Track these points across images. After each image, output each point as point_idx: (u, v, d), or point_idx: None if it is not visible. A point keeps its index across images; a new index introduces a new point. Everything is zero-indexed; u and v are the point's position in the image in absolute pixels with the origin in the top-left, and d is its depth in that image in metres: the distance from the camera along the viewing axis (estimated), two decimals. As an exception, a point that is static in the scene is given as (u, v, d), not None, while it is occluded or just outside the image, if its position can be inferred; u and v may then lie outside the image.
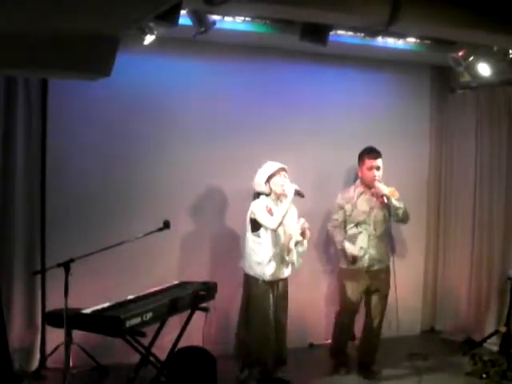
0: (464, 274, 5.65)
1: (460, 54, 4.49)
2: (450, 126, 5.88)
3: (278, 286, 4.40)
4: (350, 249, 4.57)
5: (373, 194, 4.67)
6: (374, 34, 4.29)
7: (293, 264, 4.45)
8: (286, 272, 4.45)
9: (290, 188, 4.29)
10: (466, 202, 5.67)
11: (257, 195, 4.41)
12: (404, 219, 4.72)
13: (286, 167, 4.41)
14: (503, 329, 5.01)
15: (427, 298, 5.95)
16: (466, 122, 5.71)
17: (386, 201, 4.56)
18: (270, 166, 4.39)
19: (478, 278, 5.57)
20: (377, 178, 4.60)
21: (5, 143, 4.49)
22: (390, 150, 5.14)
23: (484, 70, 4.56)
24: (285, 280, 4.46)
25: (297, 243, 4.40)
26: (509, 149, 5.39)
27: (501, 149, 5.44)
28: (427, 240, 5.92)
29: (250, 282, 4.37)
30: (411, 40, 4.53)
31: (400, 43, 4.57)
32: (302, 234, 4.39)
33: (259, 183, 4.38)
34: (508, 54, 4.47)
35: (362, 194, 4.69)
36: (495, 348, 5.12)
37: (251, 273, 4.35)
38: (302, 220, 4.43)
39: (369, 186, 4.67)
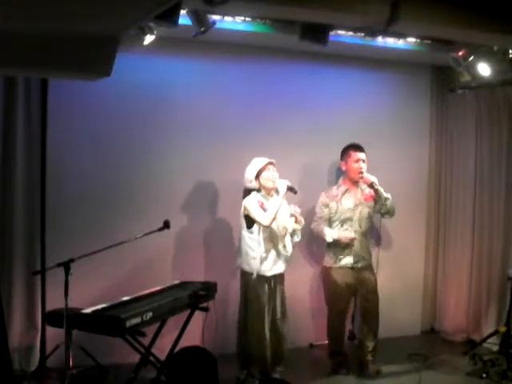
0: (464, 274, 5.65)
1: (460, 53, 4.49)
2: (450, 126, 5.88)
3: (274, 281, 4.40)
4: (344, 233, 4.64)
5: (356, 186, 4.73)
6: (374, 33, 4.29)
7: (285, 248, 4.44)
8: (282, 267, 4.45)
9: (282, 184, 4.33)
10: (466, 201, 5.67)
11: (247, 192, 4.41)
12: (391, 211, 4.77)
13: (273, 161, 4.41)
14: (503, 329, 5.00)
15: (427, 297, 5.95)
16: (465, 122, 5.71)
17: (375, 187, 4.64)
18: (257, 162, 4.39)
19: (477, 278, 5.57)
20: (363, 170, 4.68)
21: (5, 143, 4.49)
22: (390, 150, 5.16)
23: (484, 69, 4.56)
24: (281, 275, 4.46)
25: (293, 232, 4.45)
26: (509, 148, 5.38)
27: (501, 148, 5.43)
28: (427, 240, 5.91)
29: (246, 277, 4.37)
30: (411, 40, 4.53)
31: (400, 43, 4.57)
32: (295, 220, 4.43)
33: (249, 179, 4.39)
34: (508, 53, 4.46)
35: (346, 191, 4.75)
36: (495, 348, 5.11)
37: (248, 269, 4.35)
38: (293, 207, 4.44)
39: (353, 181, 4.74)
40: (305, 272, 5.26)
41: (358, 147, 4.73)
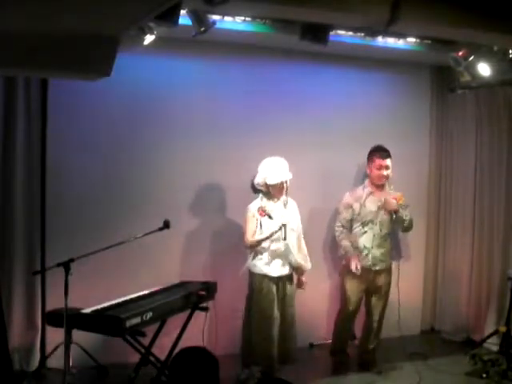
0: (464, 274, 5.65)
1: (460, 53, 4.49)
2: (450, 126, 5.88)
3: (282, 282, 4.42)
4: (354, 260, 4.60)
5: (380, 190, 4.73)
6: (374, 33, 4.29)
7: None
8: (289, 269, 4.46)
9: (277, 222, 4.28)
10: (466, 201, 5.67)
11: (255, 189, 4.46)
12: (408, 229, 4.83)
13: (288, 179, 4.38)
14: (503, 329, 5.00)
15: (427, 298, 5.95)
16: (465, 122, 5.71)
17: (394, 217, 4.64)
18: (273, 177, 4.34)
19: (478, 278, 5.57)
20: (385, 175, 4.67)
21: (5, 143, 4.48)
22: (390, 150, 5.13)
23: (484, 69, 4.56)
24: (289, 276, 4.49)
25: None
26: (509, 149, 5.37)
27: (501, 148, 5.42)
28: (427, 240, 5.92)
29: (253, 279, 4.39)
30: (411, 40, 4.52)
31: (400, 43, 4.56)
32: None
33: (261, 184, 4.41)
34: (508, 53, 4.46)
35: (370, 194, 4.74)
36: (495, 348, 5.11)
37: (255, 270, 4.38)
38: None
39: (377, 185, 4.73)
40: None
41: (382, 153, 4.69)
